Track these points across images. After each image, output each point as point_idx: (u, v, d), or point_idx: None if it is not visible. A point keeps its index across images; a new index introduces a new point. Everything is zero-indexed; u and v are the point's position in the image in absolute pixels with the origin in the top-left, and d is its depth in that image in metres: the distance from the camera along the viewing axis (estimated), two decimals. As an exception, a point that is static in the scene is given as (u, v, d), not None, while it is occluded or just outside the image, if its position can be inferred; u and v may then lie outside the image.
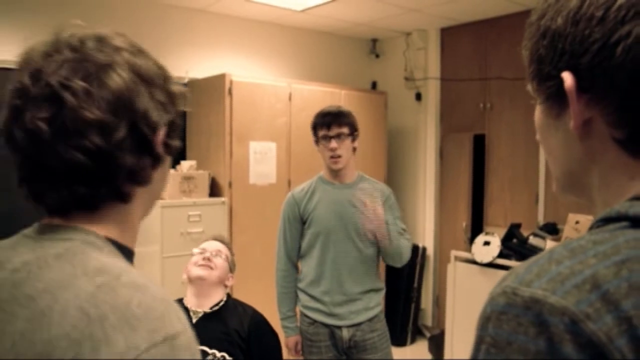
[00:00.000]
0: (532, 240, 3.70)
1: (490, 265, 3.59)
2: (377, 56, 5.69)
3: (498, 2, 4.28)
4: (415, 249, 5.19)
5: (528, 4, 4.19)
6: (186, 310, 2.24)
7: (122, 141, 0.72)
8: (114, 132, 0.72)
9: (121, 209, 0.78)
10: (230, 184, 4.12)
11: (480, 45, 4.87)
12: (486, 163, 4.89)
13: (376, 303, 2.70)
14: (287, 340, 2.68)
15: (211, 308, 2.23)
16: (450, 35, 5.14)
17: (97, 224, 0.76)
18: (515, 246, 3.67)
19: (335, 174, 2.67)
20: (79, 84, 0.70)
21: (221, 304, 2.25)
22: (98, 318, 0.62)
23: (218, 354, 2.11)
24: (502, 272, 3.48)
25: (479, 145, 4.93)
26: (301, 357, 2.72)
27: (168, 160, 0.85)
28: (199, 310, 2.22)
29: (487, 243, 3.65)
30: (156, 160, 0.80)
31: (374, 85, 5.71)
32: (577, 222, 3.46)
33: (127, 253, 0.79)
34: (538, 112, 0.71)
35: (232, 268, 2.39)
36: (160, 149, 0.79)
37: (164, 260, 3.72)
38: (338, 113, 2.63)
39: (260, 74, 4.81)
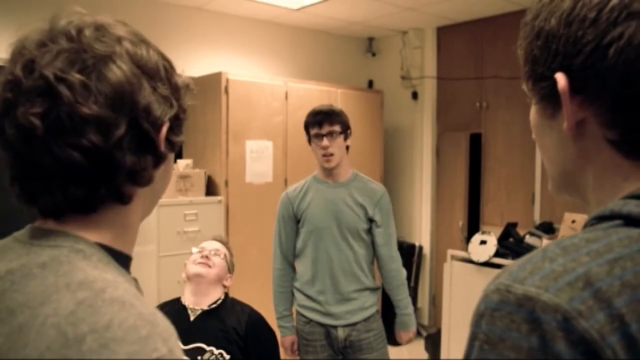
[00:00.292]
0: (529, 240, 3.71)
1: (487, 264, 3.60)
2: (374, 55, 5.69)
3: (494, 1, 4.28)
4: (411, 248, 5.19)
5: (524, 3, 4.19)
6: (184, 308, 2.24)
7: (122, 139, 0.67)
8: (113, 130, 0.66)
9: (120, 211, 0.73)
10: (226, 183, 4.12)
11: (476, 44, 4.87)
12: (482, 162, 4.90)
13: (372, 303, 2.70)
14: (282, 339, 2.68)
15: (209, 306, 2.23)
16: (447, 34, 5.15)
17: (90, 229, 0.70)
18: (512, 245, 3.68)
19: (329, 172, 2.67)
20: (75, 76, 0.65)
21: (219, 302, 2.26)
22: (75, 339, 0.56)
23: (215, 351, 2.11)
24: (498, 271, 3.48)
25: (475, 144, 4.94)
26: (297, 357, 2.72)
27: (171, 157, 0.81)
28: (196, 308, 2.22)
29: (483, 242, 3.66)
30: (159, 159, 0.74)
31: (370, 84, 5.72)
32: (573, 221, 3.47)
33: (122, 259, 0.74)
34: (533, 112, 0.71)
35: (230, 268, 2.39)
36: (163, 146, 0.74)
37: (160, 259, 3.72)
38: (329, 112, 2.63)
39: (256, 72, 4.80)
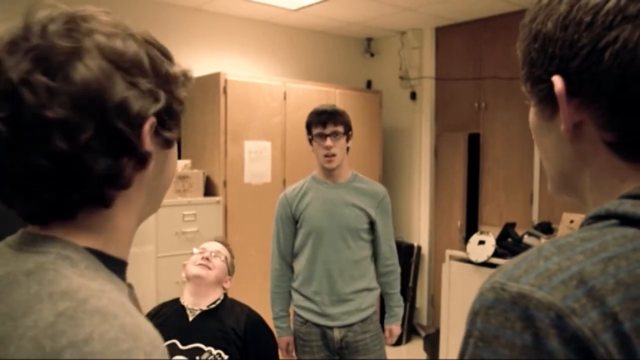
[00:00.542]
0: (527, 240, 3.71)
1: (485, 264, 3.60)
2: (372, 55, 5.69)
3: (493, 1, 4.29)
4: (410, 248, 5.19)
5: (523, 3, 4.20)
6: (183, 308, 2.24)
7: (90, 142, 0.63)
8: (79, 133, 0.62)
9: (106, 214, 0.69)
10: (225, 183, 4.12)
11: (475, 44, 4.88)
12: (481, 162, 4.90)
13: (369, 304, 2.70)
14: (278, 340, 2.66)
15: (208, 306, 2.24)
16: (445, 35, 5.15)
17: (79, 233, 0.67)
18: (510, 245, 3.69)
19: (329, 173, 2.66)
20: (39, 78, 0.61)
21: (218, 302, 2.26)
22: (52, 353, 0.54)
23: (214, 352, 2.11)
24: (493, 270, 3.48)
25: (474, 145, 4.94)
26: (293, 357, 2.72)
27: (169, 153, 0.77)
28: (195, 308, 2.23)
29: (481, 242, 3.66)
30: (142, 159, 0.69)
31: (368, 85, 5.72)
32: (571, 222, 3.48)
33: (115, 264, 0.70)
34: (532, 114, 0.71)
35: (230, 270, 2.39)
36: (147, 145, 0.68)
37: (158, 260, 3.71)
38: (334, 111, 2.63)
39: (255, 73, 4.80)
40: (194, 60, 4.49)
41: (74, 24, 0.66)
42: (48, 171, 0.62)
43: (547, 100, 0.66)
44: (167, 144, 0.75)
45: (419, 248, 5.24)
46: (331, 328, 2.63)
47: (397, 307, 2.79)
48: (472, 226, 4.89)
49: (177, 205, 3.82)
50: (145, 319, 0.63)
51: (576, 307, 0.51)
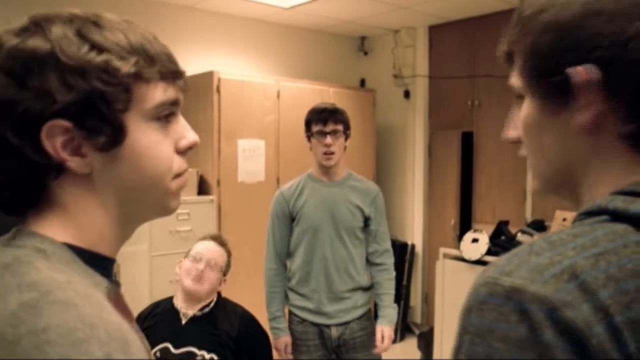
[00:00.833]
0: (520, 237, 3.72)
1: (479, 262, 3.61)
2: (366, 54, 5.69)
3: (486, 0, 4.30)
4: (404, 246, 5.20)
5: (516, 2, 4.20)
6: (176, 311, 2.22)
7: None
8: None
9: (77, 211, 0.70)
10: (218, 182, 4.11)
11: (468, 43, 4.89)
12: (474, 160, 4.92)
13: (364, 301, 2.71)
14: (276, 341, 2.65)
15: (201, 310, 2.22)
16: (439, 33, 5.16)
17: (57, 228, 0.69)
18: (504, 243, 3.70)
19: (326, 171, 2.67)
20: None
21: (211, 305, 2.24)
22: (12, 341, 0.56)
23: (207, 356, 2.10)
24: (485, 267, 3.49)
25: (467, 143, 4.95)
26: (290, 358, 2.71)
27: (119, 154, 0.70)
28: (188, 312, 2.20)
29: (475, 240, 3.67)
30: (53, 165, 0.67)
31: (362, 83, 5.72)
32: (564, 219, 3.49)
33: (92, 259, 0.71)
34: (529, 109, 0.69)
35: (226, 271, 2.34)
36: (56, 148, 0.66)
37: (152, 259, 3.70)
38: (334, 110, 2.64)
39: (248, 71, 4.79)
40: (187, 58, 4.48)
41: None
42: None
43: (555, 93, 0.64)
44: (106, 145, 0.68)
45: (413, 246, 5.25)
46: (328, 326, 2.63)
47: (390, 307, 2.72)
48: (465, 224, 4.91)
49: (170, 204, 3.81)
50: (112, 311, 0.64)
51: (568, 299, 0.51)
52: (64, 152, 0.66)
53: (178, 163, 0.78)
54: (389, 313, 2.70)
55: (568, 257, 0.54)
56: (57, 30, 0.67)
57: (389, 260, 2.77)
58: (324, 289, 2.62)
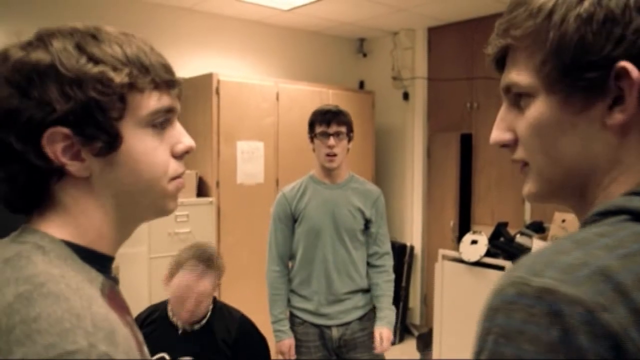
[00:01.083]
0: (519, 239, 3.73)
1: (478, 264, 3.61)
2: (365, 55, 5.69)
3: (485, 1, 4.30)
4: (402, 248, 5.20)
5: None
6: (172, 324, 2.17)
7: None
8: None
9: (76, 211, 0.75)
10: (217, 184, 4.11)
11: (467, 44, 4.89)
12: (473, 162, 4.92)
13: (365, 302, 2.70)
14: (279, 344, 2.64)
15: (197, 321, 2.17)
16: (438, 35, 5.16)
17: (58, 227, 0.74)
18: (503, 245, 3.70)
19: (328, 173, 2.66)
20: None
21: (208, 314, 2.19)
22: (6, 329, 0.61)
23: None
24: (489, 271, 3.50)
25: (466, 145, 4.96)
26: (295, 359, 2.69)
27: (115, 159, 0.74)
28: (185, 325, 2.17)
29: (474, 242, 3.67)
30: (54, 168, 0.72)
31: (361, 85, 5.72)
32: (563, 221, 3.49)
33: (89, 256, 0.75)
34: (543, 108, 0.66)
35: (218, 278, 2.22)
36: (57, 153, 0.71)
37: (151, 261, 3.70)
38: (338, 111, 2.64)
39: (247, 73, 4.80)
40: (186, 61, 4.48)
41: None
42: None
43: (584, 91, 0.62)
44: (103, 150, 0.73)
45: (412, 248, 5.25)
46: (329, 327, 2.63)
47: (388, 309, 2.70)
48: (464, 226, 4.91)
49: (169, 206, 3.81)
50: (102, 304, 0.67)
51: (605, 302, 0.49)
52: (63, 157, 0.71)
53: (174, 167, 0.82)
54: (387, 315, 2.69)
55: (598, 258, 0.52)
56: (57, 44, 0.71)
57: (389, 262, 2.76)
58: (324, 290, 2.62)
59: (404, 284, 5.13)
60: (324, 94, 4.72)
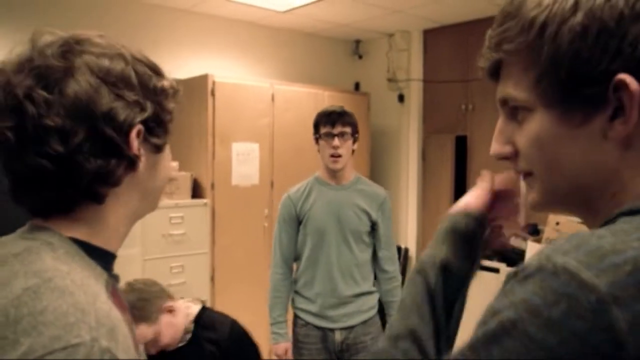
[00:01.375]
0: (513, 242, 3.73)
1: (473, 266, 3.62)
2: (360, 57, 5.70)
3: (480, 4, 4.31)
4: (397, 250, 5.20)
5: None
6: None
7: (81, 145, 0.74)
8: (72, 137, 0.74)
9: (97, 209, 0.80)
10: (212, 186, 4.11)
11: (462, 47, 4.90)
12: (468, 164, 4.93)
13: (370, 306, 2.68)
14: (275, 347, 2.64)
15: (180, 343, 2.09)
16: (433, 37, 5.17)
17: (69, 225, 0.78)
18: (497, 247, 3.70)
19: (333, 174, 2.66)
20: (39, 92, 0.73)
21: (191, 331, 2.10)
22: (14, 320, 0.64)
23: None
24: (484, 274, 3.51)
25: (461, 147, 4.97)
26: None
27: (160, 157, 0.87)
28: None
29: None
30: (130, 161, 0.80)
31: (356, 87, 5.73)
32: (557, 223, 3.51)
33: (98, 254, 0.80)
34: (542, 122, 0.65)
35: (152, 310, 2.01)
36: (134, 148, 0.79)
37: (145, 263, 3.69)
38: (343, 112, 2.64)
39: (243, 74, 4.80)
40: (182, 61, 4.48)
41: (67, 47, 0.77)
42: (47, 170, 0.74)
43: (584, 104, 0.61)
44: (156, 149, 0.85)
45: (407, 250, 5.25)
46: (332, 330, 2.61)
47: None
48: (459, 228, 4.91)
49: (164, 208, 3.81)
50: (105, 300, 0.72)
51: (622, 295, 0.48)
52: (139, 150, 0.81)
53: None
54: None
55: (632, 248, 0.50)
56: (130, 53, 0.85)
57: (394, 267, 2.77)
58: (328, 293, 2.60)
59: (398, 286, 5.13)
60: (319, 96, 4.73)
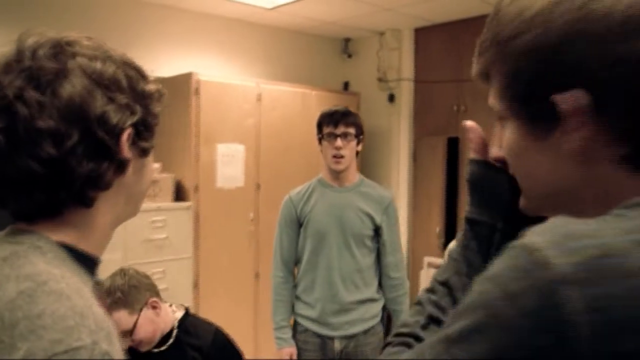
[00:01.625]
0: (507, 246, 3.74)
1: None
2: (350, 56, 5.70)
3: (473, 2, 4.33)
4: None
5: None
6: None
7: (75, 148, 0.75)
8: (65, 140, 0.74)
9: (85, 213, 0.81)
10: (196, 188, 4.08)
11: (454, 46, 4.91)
12: (460, 167, 4.94)
13: (373, 314, 2.66)
14: (280, 352, 2.61)
15: (161, 347, 2.08)
16: (425, 36, 5.18)
17: (55, 229, 0.79)
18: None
19: (336, 175, 2.64)
20: (31, 94, 0.74)
21: (173, 334, 2.08)
22: (10, 324, 0.65)
23: None
24: (476, 279, 3.51)
25: (453, 149, 4.98)
26: None
27: (146, 161, 0.89)
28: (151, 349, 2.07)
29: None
30: (121, 164, 0.81)
31: (346, 86, 5.72)
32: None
33: (86, 259, 0.81)
34: (513, 133, 0.69)
35: (136, 300, 2.01)
36: (125, 152, 0.81)
37: (125, 268, 3.66)
38: (346, 112, 2.63)
39: (228, 73, 4.77)
40: (165, 59, 4.45)
41: (59, 48, 0.78)
42: (38, 173, 0.74)
43: (542, 118, 0.64)
44: (143, 152, 0.87)
45: (397, 255, 5.25)
46: (332, 338, 2.59)
47: None
48: (451, 232, 4.92)
49: (145, 211, 3.77)
50: (98, 305, 0.73)
51: (581, 277, 0.49)
52: (129, 154, 0.82)
53: None
54: None
55: (605, 235, 0.52)
56: (117, 59, 0.86)
57: (403, 272, 2.74)
58: (328, 298, 2.58)
59: (388, 292, 5.12)
60: (307, 95, 4.71)
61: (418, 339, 0.77)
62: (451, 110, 4.96)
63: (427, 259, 3.94)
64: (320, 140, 2.65)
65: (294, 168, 4.57)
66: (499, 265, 0.55)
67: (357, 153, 2.66)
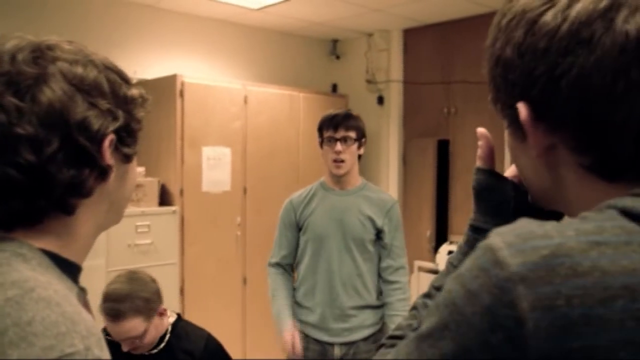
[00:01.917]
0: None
1: (455, 275, 3.64)
2: (338, 57, 5.72)
3: (462, 3, 4.36)
4: (377, 259, 5.21)
5: (493, 5, 4.28)
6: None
7: (55, 155, 0.75)
8: (45, 147, 0.74)
9: (66, 221, 0.81)
10: (181, 192, 4.07)
11: (444, 47, 4.95)
12: (450, 169, 4.97)
13: (374, 321, 2.66)
14: (281, 338, 2.56)
15: (153, 350, 2.11)
16: (414, 37, 5.21)
17: (36, 236, 0.78)
18: (481, 256, 3.74)
19: (337, 179, 2.66)
20: (9, 100, 0.73)
21: (166, 338, 2.13)
22: None
23: None
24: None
25: (443, 151, 5.00)
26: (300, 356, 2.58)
27: (129, 167, 0.89)
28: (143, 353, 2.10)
29: (451, 252, 3.70)
30: (103, 171, 0.81)
31: (334, 88, 5.74)
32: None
33: (68, 267, 0.81)
34: (506, 134, 0.74)
35: (154, 306, 2.08)
36: (107, 158, 0.81)
37: (109, 275, 3.64)
38: (347, 115, 2.66)
39: (213, 75, 4.78)
40: (149, 61, 4.44)
41: (39, 52, 0.78)
42: (17, 180, 0.74)
43: (517, 123, 0.67)
44: (126, 158, 0.87)
45: (387, 259, 5.26)
46: (332, 345, 2.59)
47: None
48: (441, 236, 4.94)
49: (129, 216, 3.76)
50: (86, 311, 0.73)
51: (530, 276, 0.52)
52: (111, 160, 0.82)
53: None
54: None
55: (563, 236, 0.55)
56: (99, 63, 0.86)
57: (404, 278, 2.71)
58: (328, 303, 2.58)
59: (378, 297, 5.13)
60: (294, 98, 4.73)
61: None
62: (441, 112, 4.99)
63: (418, 263, 3.95)
64: (321, 144, 2.67)
65: (281, 172, 4.58)
66: (465, 264, 0.59)
67: (360, 157, 2.67)
